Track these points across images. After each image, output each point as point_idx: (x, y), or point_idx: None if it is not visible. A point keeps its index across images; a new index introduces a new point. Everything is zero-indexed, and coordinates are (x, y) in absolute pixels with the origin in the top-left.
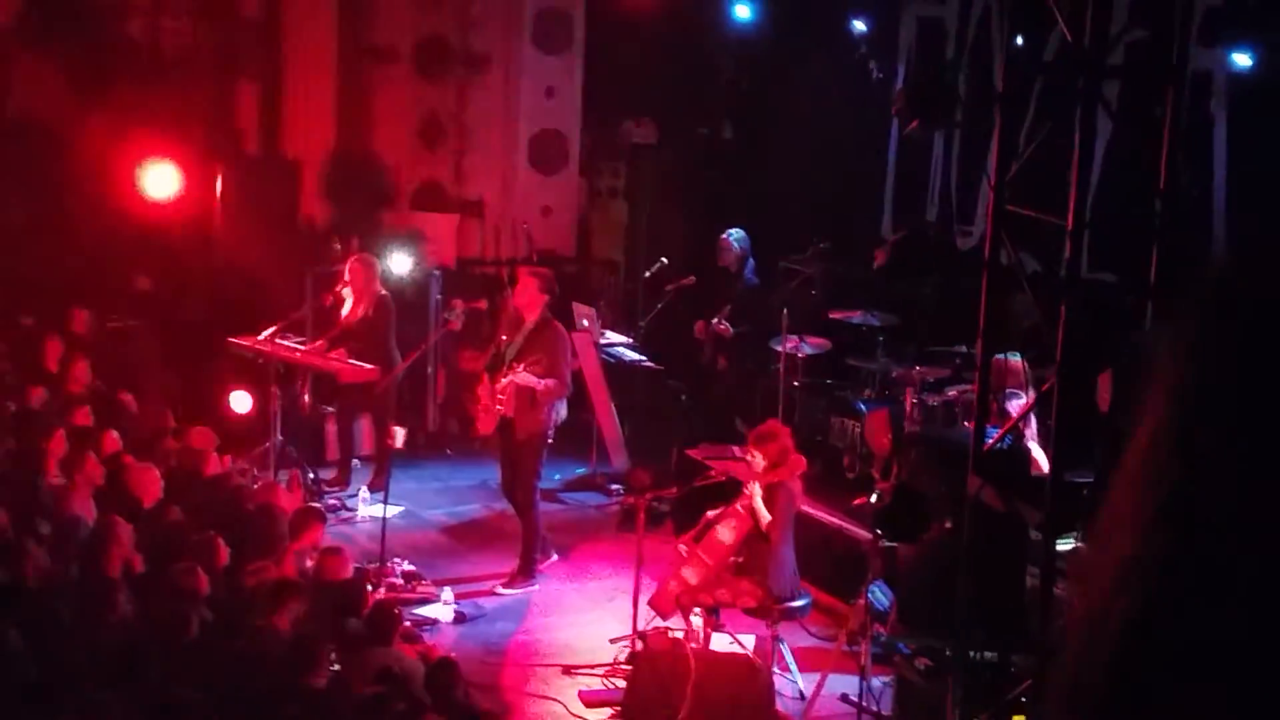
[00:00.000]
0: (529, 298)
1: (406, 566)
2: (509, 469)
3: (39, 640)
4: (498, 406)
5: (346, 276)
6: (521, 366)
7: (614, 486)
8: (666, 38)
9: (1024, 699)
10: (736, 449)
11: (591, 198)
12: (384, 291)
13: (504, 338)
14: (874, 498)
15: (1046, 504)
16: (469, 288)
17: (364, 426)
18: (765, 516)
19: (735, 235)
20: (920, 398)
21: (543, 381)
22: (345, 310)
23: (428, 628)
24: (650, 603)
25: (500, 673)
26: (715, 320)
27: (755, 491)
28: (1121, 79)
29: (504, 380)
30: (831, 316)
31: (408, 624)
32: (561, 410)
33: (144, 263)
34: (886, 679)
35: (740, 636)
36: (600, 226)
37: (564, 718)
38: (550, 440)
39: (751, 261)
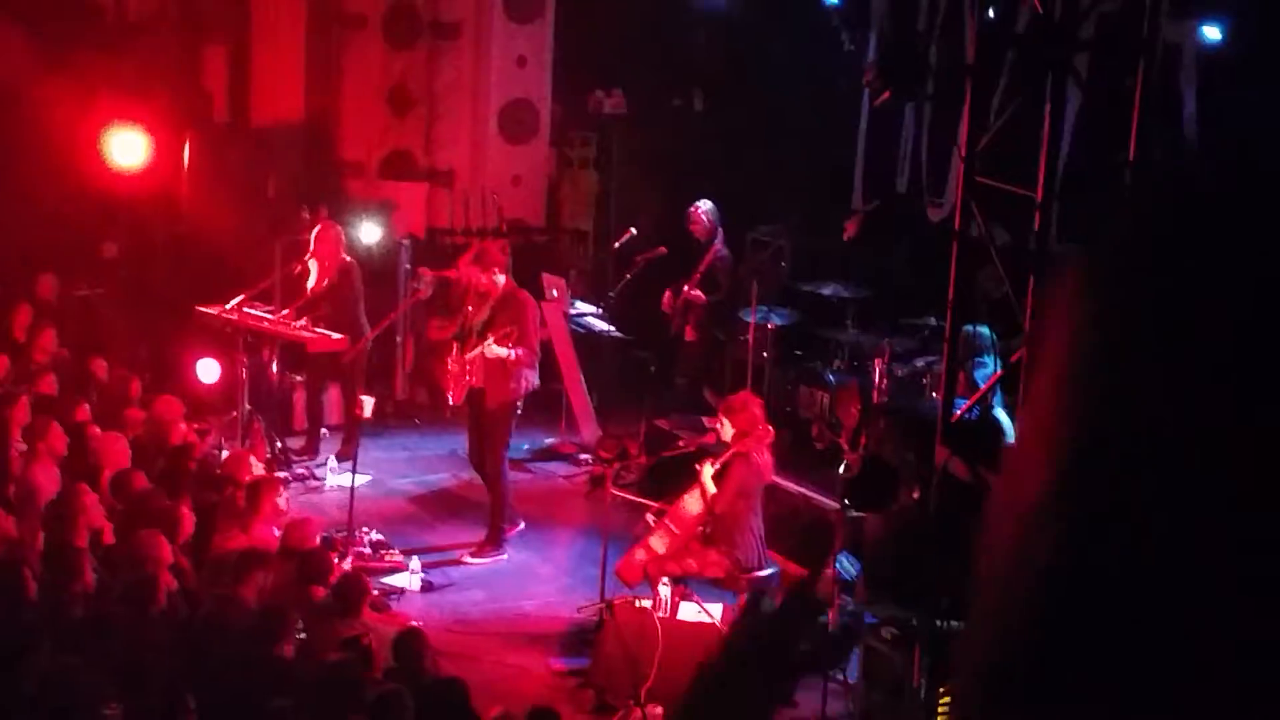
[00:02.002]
0: (491, 276)
1: (374, 535)
2: (477, 438)
3: (3, 608)
4: (467, 376)
5: (312, 245)
6: (492, 339)
7: (582, 456)
8: (638, 8)
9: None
10: (705, 419)
11: (561, 168)
12: (349, 259)
13: (470, 308)
14: (842, 468)
15: None
16: (438, 257)
17: (332, 396)
18: (712, 491)
19: (705, 206)
20: (889, 369)
21: (514, 351)
22: (311, 279)
23: (395, 596)
24: (617, 572)
25: (467, 641)
26: (686, 286)
27: (705, 470)
28: (1092, 51)
29: (472, 353)
30: (801, 288)
31: (375, 593)
32: (533, 379)
33: (111, 230)
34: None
35: (708, 606)
36: (570, 197)
37: (531, 686)
38: (519, 410)
39: (721, 232)
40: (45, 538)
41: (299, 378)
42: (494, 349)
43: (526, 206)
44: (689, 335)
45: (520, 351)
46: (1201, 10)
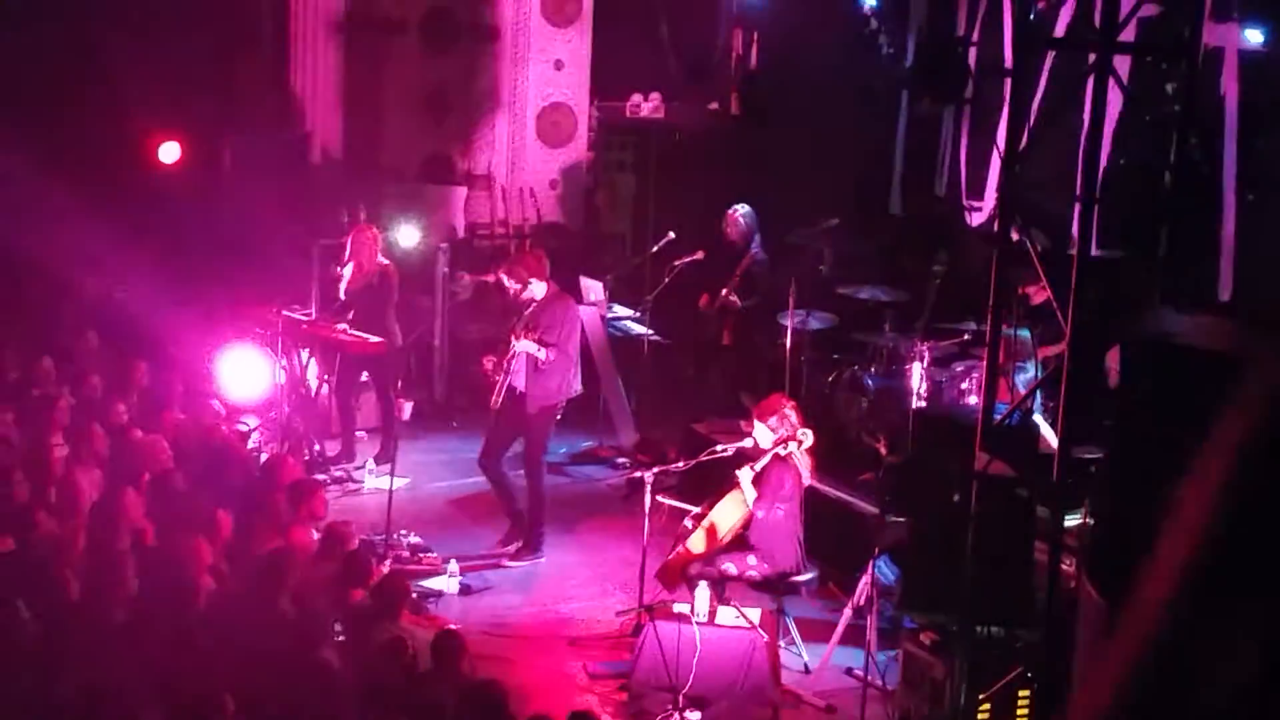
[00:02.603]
0: (525, 287)
1: (413, 539)
2: (497, 441)
3: (45, 610)
4: (503, 376)
5: (350, 248)
6: (524, 335)
7: (620, 460)
8: (675, 11)
9: (1029, 674)
10: (743, 423)
11: (599, 171)
12: (387, 262)
13: (515, 317)
14: (881, 472)
15: (1054, 479)
16: (476, 260)
17: (368, 398)
18: (751, 495)
19: (741, 210)
20: (928, 373)
21: (545, 350)
22: (345, 281)
23: (433, 600)
24: (656, 576)
25: (505, 645)
26: (724, 291)
27: (744, 475)
28: (1133, 54)
29: (509, 353)
30: (839, 291)
31: (413, 596)
32: (576, 384)
33: (151, 233)
34: (892, 653)
35: (746, 610)
36: (608, 200)
37: (569, 690)
38: (560, 415)
39: (758, 236)
40: (87, 540)
41: (332, 379)
42: (523, 344)
43: (564, 210)
44: (726, 339)
45: (552, 352)
46: (1244, 13)
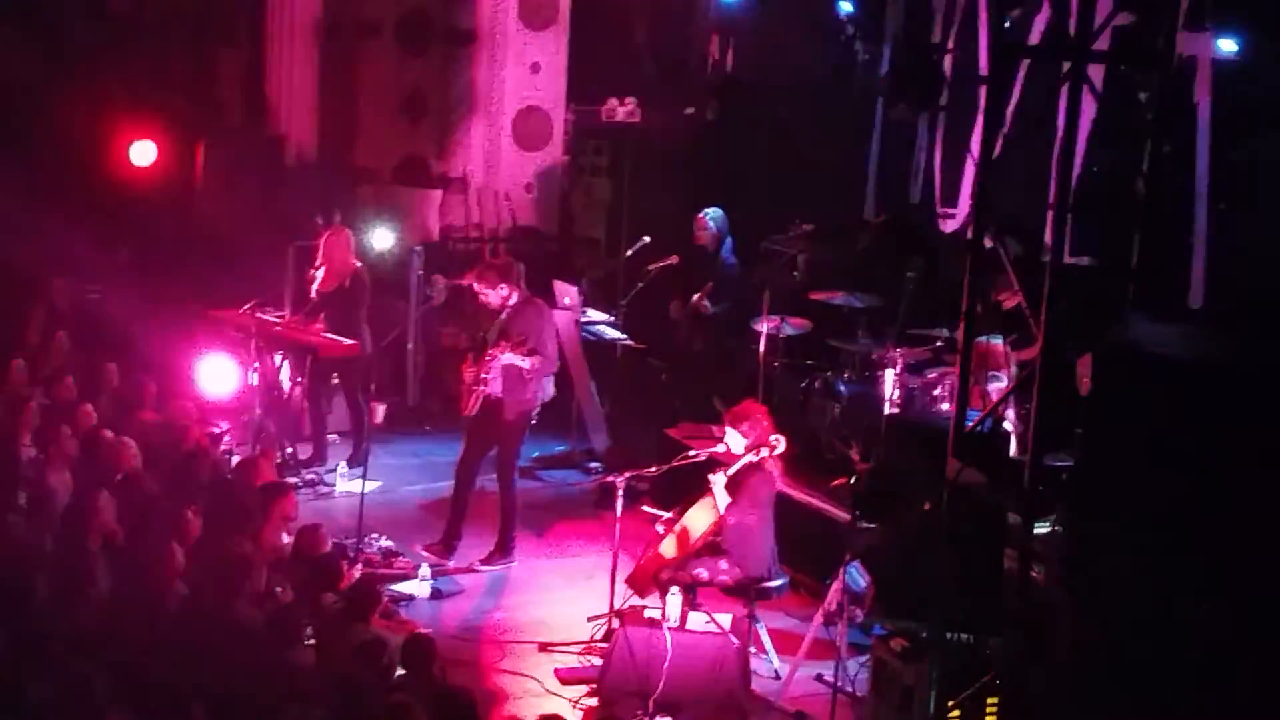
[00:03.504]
0: (496, 292)
1: (384, 542)
2: (476, 448)
3: (15, 612)
4: (483, 386)
5: (323, 250)
6: (507, 345)
7: (593, 465)
8: (652, 16)
9: (999, 680)
10: (716, 429)
11: (574, 176)
12: (360, 265)
13: (485, 321)
14: (853, 479)
15: (1025, 487)
16: (451, 264)
17: (340, 401)
18: (724, 501)
19: (712, 215)
20: (900, 380)
21: (529, 359)
22: (316, 284)
23: (404, 604)
24: (627, 581)
25: (476, 649)
26: (695, 297)
27: (717, 480)
28: (1107, 63)
29: (489, 358)
30: (812, 297)
31: (385, 600)
32: (549, 389)
33: (124, 234)
34: (862, 660)
35: (717, 616)
36: (583, 204)
37: (539, 695)
38: (534, 420)
39: (730, 241)
40: (58, 542)
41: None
42: (510, 356)
43: (539, 214)
44: (698, 345)
45: (535, 360)
46: (1217, 22)
